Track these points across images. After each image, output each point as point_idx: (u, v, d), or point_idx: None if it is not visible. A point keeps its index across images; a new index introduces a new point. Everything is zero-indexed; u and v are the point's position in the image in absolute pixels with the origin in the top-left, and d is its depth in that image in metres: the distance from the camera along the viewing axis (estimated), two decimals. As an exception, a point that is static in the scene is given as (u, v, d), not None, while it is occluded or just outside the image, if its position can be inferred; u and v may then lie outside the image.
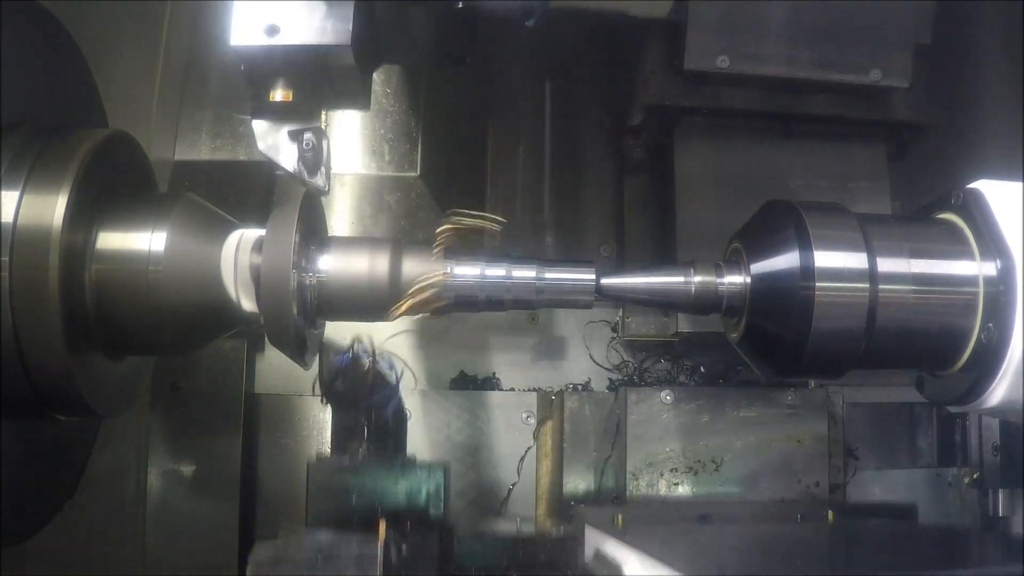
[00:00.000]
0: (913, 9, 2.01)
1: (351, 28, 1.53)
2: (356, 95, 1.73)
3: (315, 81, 1.59)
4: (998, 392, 1.44)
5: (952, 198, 1.54)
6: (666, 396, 2.18)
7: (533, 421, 2.33)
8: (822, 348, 1.47)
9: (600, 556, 1.68)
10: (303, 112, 1.59)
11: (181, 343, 1.54)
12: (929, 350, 1.53)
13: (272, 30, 1.52)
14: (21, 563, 1.61)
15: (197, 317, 1.47)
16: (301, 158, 1.59)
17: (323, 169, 1.62)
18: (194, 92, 2.39)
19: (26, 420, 1.48)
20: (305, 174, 1.60)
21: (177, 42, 2.33)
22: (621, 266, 2.35)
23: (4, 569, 1.53)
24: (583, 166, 2.48)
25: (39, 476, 1.61)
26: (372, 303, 1.49)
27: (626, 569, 1.55)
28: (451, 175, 2.47)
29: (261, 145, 1.60)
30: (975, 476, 2.33)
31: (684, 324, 2.19)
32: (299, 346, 1.46)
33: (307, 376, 2.30)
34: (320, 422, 2.32)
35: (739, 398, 2.20)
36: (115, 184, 1.49)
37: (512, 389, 2.39)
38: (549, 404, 2.35)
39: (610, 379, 2.40)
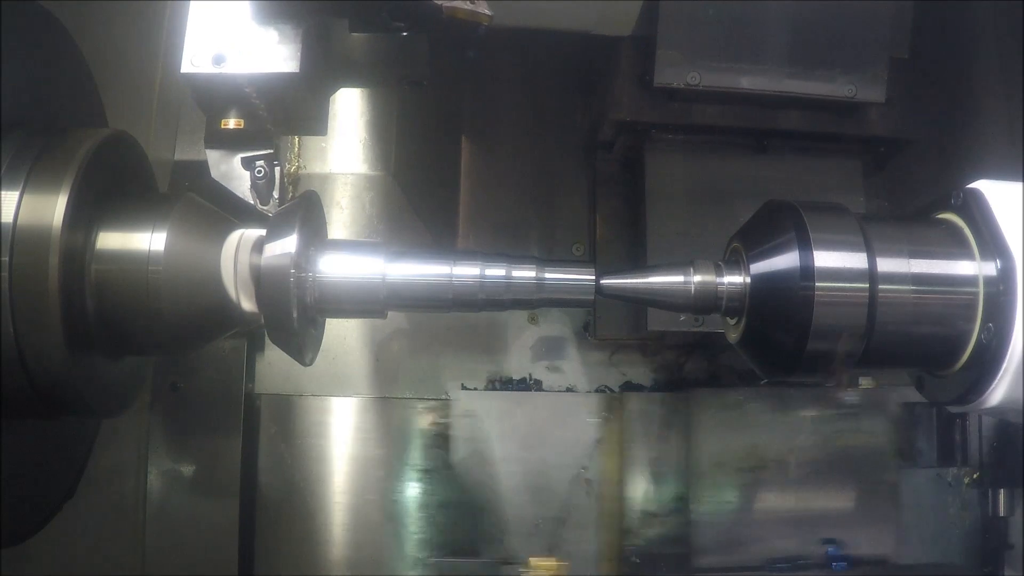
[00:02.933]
0: (889, 22, 1.99)
1: (299, 55, 1.52)
2: (311, 120, 1.71)
3: (267, 108, 1.58)
4: (998, 392, 1.43)
5: (952, 198, 1.54)
6: (735, 396, 2.19)
7: (593, 420, 2.35)
8: (822, 348, 1.47)
9: None
10: (256, 139, 1.58)
11: (181, 343, 1.53)
12: (929, 350, 1.53)
13: (218, 59, 1.52)
14: (21, 563, 1.61)
15: (197, 317, 1.47)
16: (253, 185, 1.58)
17: (275, 196, 1.61)
18: (194, 92, 2.39)
19: (26, 420, 1.48)
20: (258, 202, 1.59)
21: (177, 42, 2.32)
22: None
23: (4, 569, 1.53)
24: (556, 180, 2.50)
25: (39, 476, 1.61)
26: (371, 302, 1.49)
27: None
28: (425, 175, 2.48)
29: (214, 173, 1.60)
30: (975, 476, 2.33)
31: (654, 323, 2.19)
32: (299, 345, 1.46)
33: (307, 376, 2.30)
34: (320, 421, 2.32)
35: (804, 398, 2.22)
36: (115, 184, 1.49)
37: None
38: (611, 406, 2.36)
39: (653, 379, 2.41)
